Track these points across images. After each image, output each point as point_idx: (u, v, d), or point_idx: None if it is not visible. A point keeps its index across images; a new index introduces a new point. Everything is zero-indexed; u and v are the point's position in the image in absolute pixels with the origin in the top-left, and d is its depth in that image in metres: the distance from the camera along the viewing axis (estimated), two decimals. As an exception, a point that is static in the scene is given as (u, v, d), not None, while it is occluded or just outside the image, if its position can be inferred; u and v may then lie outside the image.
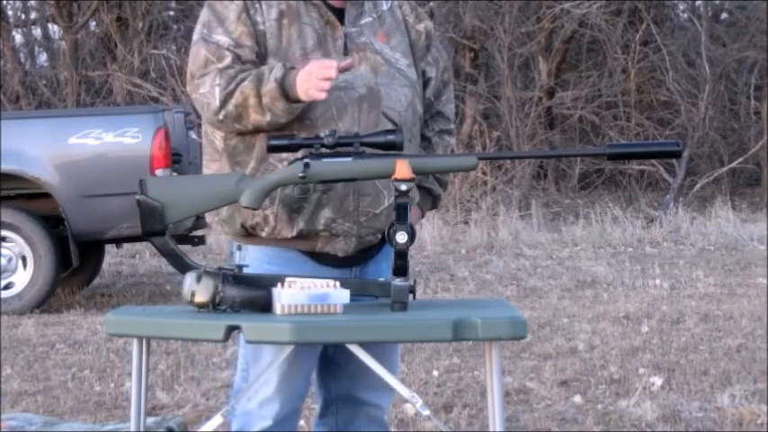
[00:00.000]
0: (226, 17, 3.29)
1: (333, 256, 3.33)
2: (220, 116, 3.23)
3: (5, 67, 16.94)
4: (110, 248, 10.70)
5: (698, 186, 15.57)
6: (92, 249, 9.61)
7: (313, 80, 3.12)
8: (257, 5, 3.31)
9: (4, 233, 8.79)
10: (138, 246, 11.81)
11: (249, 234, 3.34)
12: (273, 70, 3.18)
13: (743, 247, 12.18)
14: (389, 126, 3.21)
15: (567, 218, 14.04)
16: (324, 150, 3.15)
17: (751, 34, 16.82)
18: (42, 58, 18.72)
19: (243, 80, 3.20)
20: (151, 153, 8.62)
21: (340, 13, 3.35)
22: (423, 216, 3.57)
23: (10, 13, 17.64)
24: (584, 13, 15.95)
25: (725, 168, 16.03)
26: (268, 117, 3.19)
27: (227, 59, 3.24)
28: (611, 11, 16.40)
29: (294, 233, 3.29)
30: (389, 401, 3.57)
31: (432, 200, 3.54)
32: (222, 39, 3.27)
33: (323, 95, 3.13)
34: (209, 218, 3.41)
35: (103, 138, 8.74)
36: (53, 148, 8.80)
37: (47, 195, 8.78)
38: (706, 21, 16.98)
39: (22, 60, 18.06)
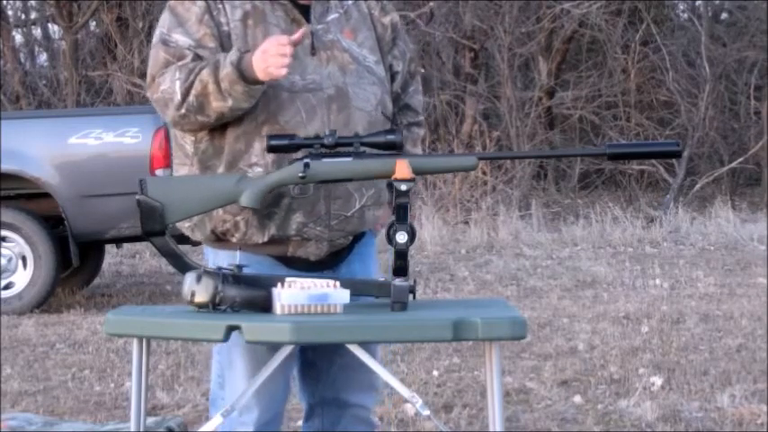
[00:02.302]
0: (187, 19, 3.25)
1: (304, 260, 3.30)
2: (182, 110, 3.18)
3: (5, 67, 16.94)
4: (110, 248, 10.70)
5: (698, 186, 15.57)
6: (92, 249, 9.61)
7: (270, 58, 3.08)
8: (220, 6, 3.26)
9: (4, 233, 8.78)
10: (138, 246, 11.81)
11: (219, 239, 3.32)
12: (228, 55, 3.15)
13: (743, 247, 12.18)
14: (359, 126, 3.20)
15: (567, 218, 14.04)
16: (323, 150, 3.14)
17: (751, 34, 16.82)
18: (42, 58, 18.72)
19: (200, 70, 3.16)
20: (151, 153, 8.62)
21: (306, 11, 3.31)
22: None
23: (10, 13, 17.65)
24: (584, 13, 15.95)
25: (725, 168, 16.03)
26: (230, 102, 3.15)
27: (188, 59, 3.21)
28: (611, 11, 16.40)
29: (266, 239, 3.26)
30: (374, 401, 3.54)
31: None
32: (182, 39, 3.23)
33: (283, 71, 3.10)
34: (180, 224, 3.34)
35: (103, 138, 8.74)
36: (53, 148, 8.79)
37: (47, 195, 8.78)
38: (706, 21, 16.98)
39: (22, 60, 18.07)
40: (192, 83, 3.16)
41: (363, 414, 3.49)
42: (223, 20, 3.26)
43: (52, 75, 17.31)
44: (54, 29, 18.12)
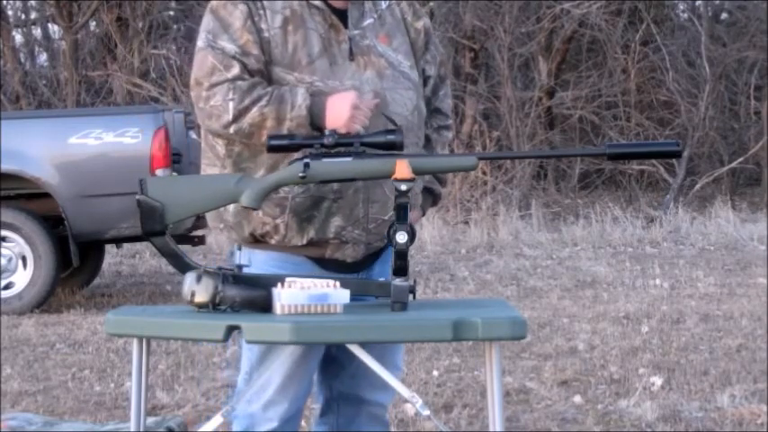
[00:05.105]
0: (230, 24, 3.25)
1: (341, 261, 3.32)
2: (231, 130, 3.20)
3: (5, 67, 16.94)
4: (110, 248, 10.70)
5: (698, 186, 15.57)
6: (92, 249, 9.61)
7: (360, 114, 3.16)
8: (261, 12, 3.27)
9: (4, 233, 8.79)
10: (138, 246, 11.81)
11: (257, 241, 3.33)
12: (298, 96, 3.17)
13: (743, 247, 12.18)
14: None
15: (567, 218, 14.04)
16: (324, 150, 3.14)
17: (751, 34, 16.81)
18: (42, 58, 18.72)
19: (259, 99, 3.18)
20: (151, 153, 8.62)
21: (342, 15, 3.33)
22: (423, 215, 3.57)
23: (10, 13, 17.64)
24: (584, 13, 15.95)
25: (725, 168, 16.03)
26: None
27: (236, 69, 3.21)
28: (611, 11, 16.40)
29: (305, 241, 3.29)
30: (391, 400, 3.57)
31: (432, 198, 3.54)
32: (228, 46, 3.23)
33: (359, 127, 3.17)
34: (212, 224, 3.38)
35: (103, 138, 8.74)
36: (53, 148, 8.80)
37: (47, 195, 8.78)
38: (706, 21, 16.98)
39: (22, 60, 18.07)
40: (248, 109, 3.17)
41: (379, 412, 3.52)
42: (264, 26, 3.26)
43: (52, 75, 17.31)
44: (54, 29, 18.12)
